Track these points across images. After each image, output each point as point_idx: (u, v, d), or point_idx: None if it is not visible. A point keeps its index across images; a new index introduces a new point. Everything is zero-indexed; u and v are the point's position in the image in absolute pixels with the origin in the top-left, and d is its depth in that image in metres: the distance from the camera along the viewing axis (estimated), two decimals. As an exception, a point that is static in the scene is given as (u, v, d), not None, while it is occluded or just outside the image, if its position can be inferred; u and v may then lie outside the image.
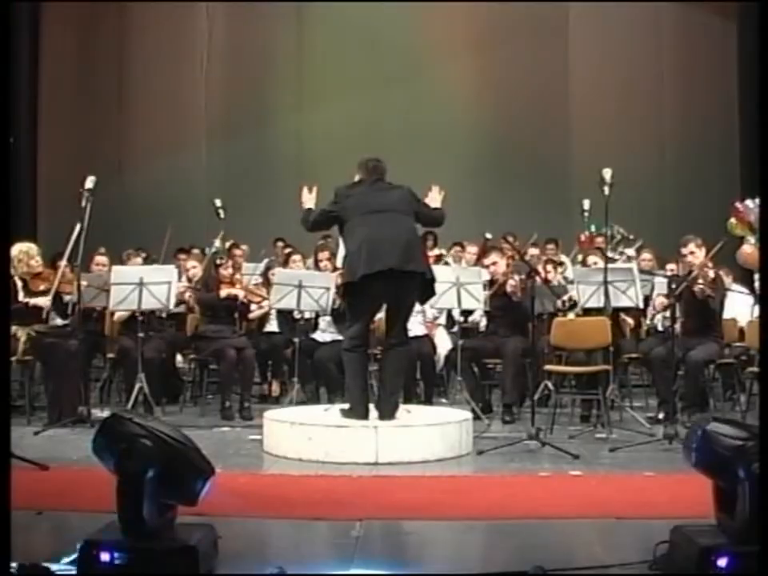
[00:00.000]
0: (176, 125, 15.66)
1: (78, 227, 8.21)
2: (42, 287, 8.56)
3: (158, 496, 4.02)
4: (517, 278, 8.94)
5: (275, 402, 9.51)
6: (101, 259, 9.69)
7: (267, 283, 9.90)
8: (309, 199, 7.51)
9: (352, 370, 7.19)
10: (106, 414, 8.41)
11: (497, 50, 15.27)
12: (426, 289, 7.20)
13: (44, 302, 8.44)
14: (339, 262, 8.90)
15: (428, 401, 9.27)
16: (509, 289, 8.98)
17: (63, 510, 5.34)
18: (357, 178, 7.39)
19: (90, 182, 8.21)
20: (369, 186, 7.27)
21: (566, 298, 9.13)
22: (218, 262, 9.63)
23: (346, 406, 7.25)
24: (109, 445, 4.09)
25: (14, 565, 3.96)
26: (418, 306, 7.98)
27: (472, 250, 11.52)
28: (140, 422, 4.10)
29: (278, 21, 15.66)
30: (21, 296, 8.46)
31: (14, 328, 8.36)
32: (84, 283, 8.45)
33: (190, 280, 9.51)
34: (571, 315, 8.92)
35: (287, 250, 11.05)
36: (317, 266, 9.96)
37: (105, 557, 3.92)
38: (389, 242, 6.95)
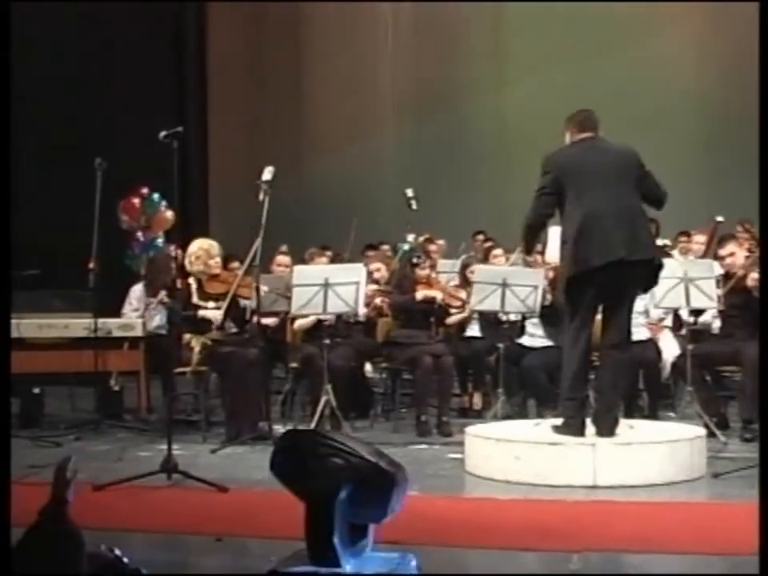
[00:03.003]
0: (360, 109, 15.83)
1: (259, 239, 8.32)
2: (218, 290, 8.74)
3: (350, 517, 4.05)
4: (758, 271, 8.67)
5: (477, 416, 9.48)
6: (283, 259, 9.82)
7: (465, 282, 9.86)
8: None
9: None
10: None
11: (717, 12, 14.87)
12: (649, 276, 7.03)
13: (214, 315, 8.61)
14: (549, 256, 8.76)
15: (653, 414, 9.09)
16: (750, 283, 8.69)
17: (245, 536, 5.44)
18: (567, 138, 7.12)
19: (267, 173, 8.31)
20: (584, 149, 6.97)
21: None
22: (415, 260, 9.61)
23: (559, 420, 7.15)
24: (292, 464, 4.13)
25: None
26: (639, 307, 7.81)
27: (699, 239, 11.21)
28: (327, 437, 4.13)
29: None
30: (194, 297, 8.70)
31: (187, 336, 8.59)
32: (264, 288, 8.58)
33: (376, 282, 9.57)
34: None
35: (488, 244, 10.99)
36: (525, 261, 9.87)
37: (291, 588, 3.97)
38: (614, 225, 6.72)
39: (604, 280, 6.76)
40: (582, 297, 6.88)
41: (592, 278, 6.74)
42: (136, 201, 12.38)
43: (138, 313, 10.00)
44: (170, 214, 10.42)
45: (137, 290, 10.29)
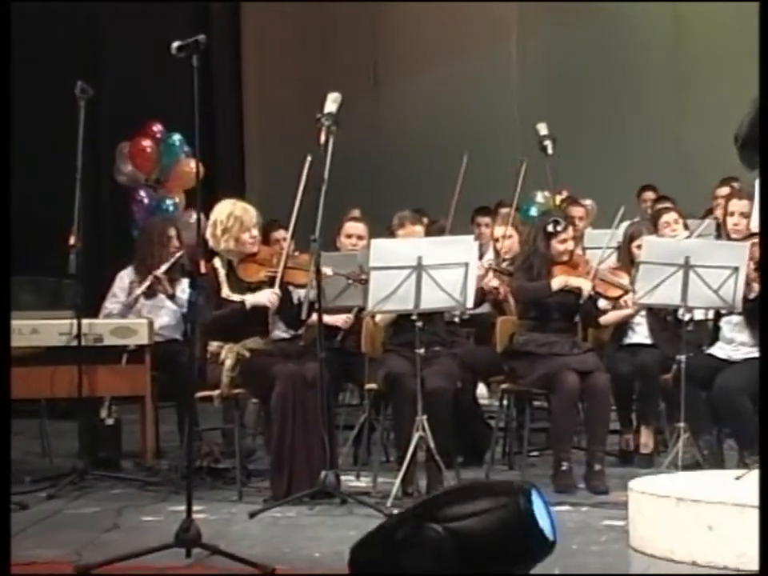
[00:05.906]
0: (464, 12, 15.80)
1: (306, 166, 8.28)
2: (257, 276, 8.67)
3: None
4: None
5: (647, 464, 9.45)
6: (355, 227, 9.81)
7: (631, 263, 9.71)
8: None
9: None
10: (364, 482, 8.55)
11: None
12: None
13: (267, 297, 8.51)
14: (755, 222, 8.57)
15: None
16: None
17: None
18: None
19: (332, 103, 8.35)
20: None
21: None
22: (551, 229, 9.46)
23: None
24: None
25: None
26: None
27: None
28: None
29: None
30: (224, 289, 8.60)
31: (214, 345, 8.51)
32: (327, 271, 8.53)
33: (498, 254, 9.48)
34: None
35: (661, 205, 10.85)
36: (724, 228, 9.65)
37: None
38: None
39: None
40: None
41: None
42: (147, 144, 12.38)
43: (118, 307, 9.96)
44: (194, 165, 10.39)
45: (124, 276, 10.25)
